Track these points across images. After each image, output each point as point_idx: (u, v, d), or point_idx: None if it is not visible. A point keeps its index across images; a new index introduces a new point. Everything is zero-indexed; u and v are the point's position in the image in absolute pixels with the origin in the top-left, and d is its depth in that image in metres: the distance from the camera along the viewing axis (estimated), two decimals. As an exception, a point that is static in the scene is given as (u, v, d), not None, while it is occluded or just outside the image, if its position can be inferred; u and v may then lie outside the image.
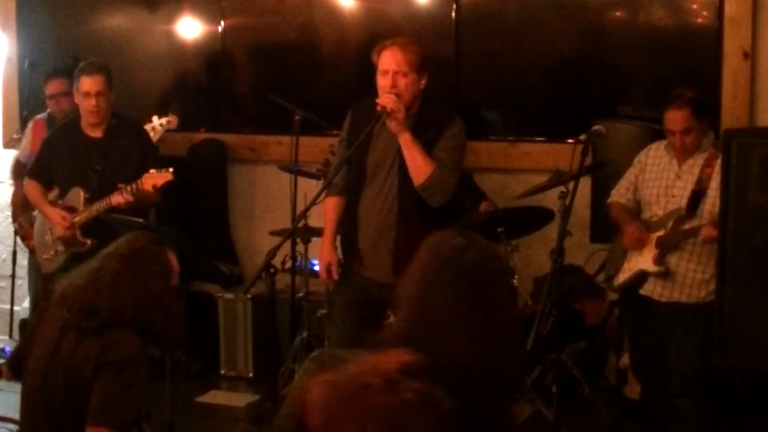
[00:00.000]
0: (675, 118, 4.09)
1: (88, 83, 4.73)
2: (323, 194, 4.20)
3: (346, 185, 4.19)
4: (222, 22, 5.98)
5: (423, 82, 4.05)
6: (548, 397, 4.55)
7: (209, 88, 6.16)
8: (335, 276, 4.15)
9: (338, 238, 4.31)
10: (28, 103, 5.68)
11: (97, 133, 4.83)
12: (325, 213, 4.30)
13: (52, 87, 5.40)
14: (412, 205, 4.03)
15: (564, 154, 4.66)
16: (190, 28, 6.10)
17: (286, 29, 5.94)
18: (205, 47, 6.12)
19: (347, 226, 4.20)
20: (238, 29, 6.01)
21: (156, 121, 5.29)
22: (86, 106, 4.75)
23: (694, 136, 4.10)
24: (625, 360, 4.92)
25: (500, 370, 2.07)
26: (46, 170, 4.89)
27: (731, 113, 4.91)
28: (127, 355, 2.91)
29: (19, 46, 6.32)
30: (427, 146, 4.01)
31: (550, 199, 4.72)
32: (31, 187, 4.93)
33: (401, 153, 4.01)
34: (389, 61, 3.99)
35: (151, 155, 4.88)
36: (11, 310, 6.01)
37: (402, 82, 3.97)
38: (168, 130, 5.42)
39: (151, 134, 5.17)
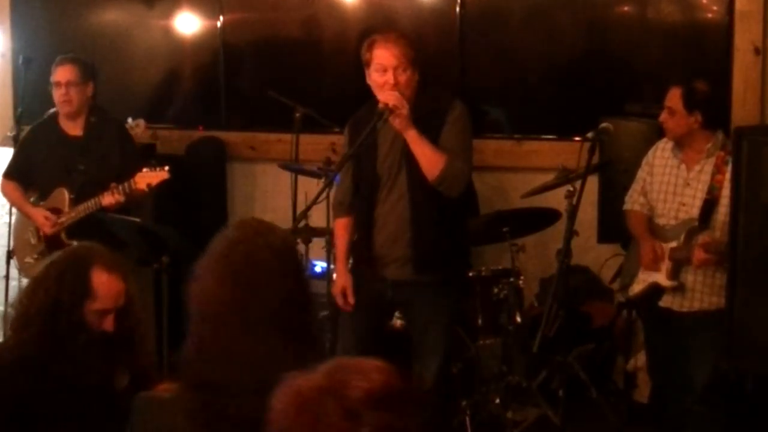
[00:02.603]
0: (668, 92, 4.05)
1: (57, 73, 4.68)
2: (328, 202, 4.15)
3: (360, 193, 4.10)
4: (221, 17, 5.91)
5: (416, 75, 3.95)
6: (554, 400, 4.50)
7: (208, 84, 6.09)
8: (351, 300, 4.06)
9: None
10: (23, 99, 5.61)
11: (76, 131, 4.73)
12: (336, 236, 4.21)
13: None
14: (425, 200, 3.94)
15: (571, 152, 4.60)
16: (188, 23, 6.04)
17: (286, 25, 5.90)
18: (204, 43, 6.06)
19: (361, 231, 4.10)
20: (237, 24, 5.95)
21: (131, 122, 5.17)
22: (56, 96, 4.69)
23: (676, 122, 4.02)
24: (633, 363, 4.87)
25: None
26: (24, 169, 4.78)
27: (742, 110, 4.85)
28: None
29: (14, 41, 6.26)
30: (432, 135, 3.91)
31: (557, 199, 4.65)
32: (10, 188, 4.81)
33: (407, 151, 3.92)
34: (387, 57, 3.87)
35: (133, 154, 4.78)
36: (5, 311, 5.93)
37: (402, 77, 3.87)
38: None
39: None
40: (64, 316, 2.63)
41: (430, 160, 3.87)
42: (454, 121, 3.96)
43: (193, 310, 2.14)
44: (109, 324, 2.69)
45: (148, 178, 4.43)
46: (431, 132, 3.90)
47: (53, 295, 2.64)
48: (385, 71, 3.87)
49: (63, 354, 2.61)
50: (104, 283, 2.67)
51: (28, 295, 2.70)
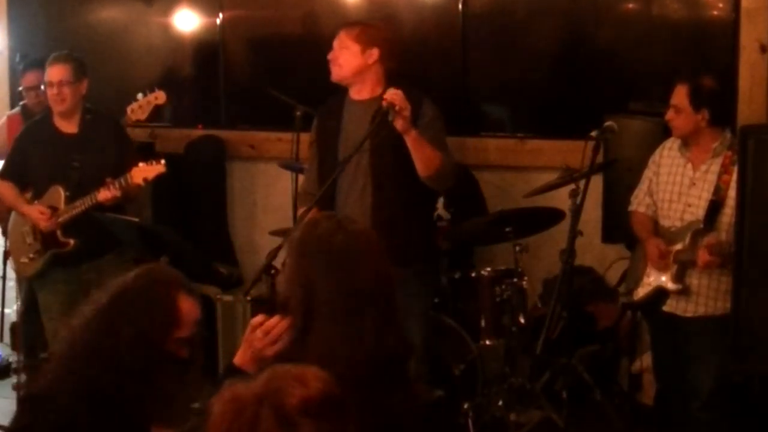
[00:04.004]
0: (674, 89, 3.99)
1: (49, 73, 4.64)
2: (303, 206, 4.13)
3: (323, 183, 4.05)
4: (220, 14, 5.89)
5: (374, 55, 4.06)
6: (558, 402, 4.46)
7: (207, 82, 6.06)
8: None
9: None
10: (20, 96, 5.58)
11: (71, 129, 4.69)
12: None
13: (29, 79, 5.29)
14: (388, 189, 3.98)
15: (575, 151, 4.57)
16: (187, 20, 6.01)
17: (286, 21, 5.87)
18: (203, 40, 6.03)
19: None
20: (237, 21, 5.92)
21: (142, 98, 5.02)
22: (49, 95, 4.66)
23: (682, 120, 3.97)
24: (637, 365, 4.84)
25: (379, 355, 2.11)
26: (20, 169, 4.74)
27: (748, 109, 4.80)
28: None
29: (11, 38, 6.24)
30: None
31: (561, 198, 4.62)
32: (6, 189, 4.77)
33: (372, 136, 3.88)
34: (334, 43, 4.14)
35: (129, 150, 4.74)
36: (2, 312, 5.90)
37: (341, 54, 4.09)
38: (158, 107, 5.16)
39: (138, 112, 5.00)
40: (157, 349, 2.43)
41: (429, 158, 3.91)
42: (432, 121, 4.03)
43: (293, 304, 2.22)
44: (184, 351, 2.51)
45: (144, 172, 4.41)
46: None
47: (143, 328, 2.43)
48: (330, 52, 4.14)
49: (158, 388, 2.42)
50: (190, 311, 2.51)
51: (102, 325, 2.45)
